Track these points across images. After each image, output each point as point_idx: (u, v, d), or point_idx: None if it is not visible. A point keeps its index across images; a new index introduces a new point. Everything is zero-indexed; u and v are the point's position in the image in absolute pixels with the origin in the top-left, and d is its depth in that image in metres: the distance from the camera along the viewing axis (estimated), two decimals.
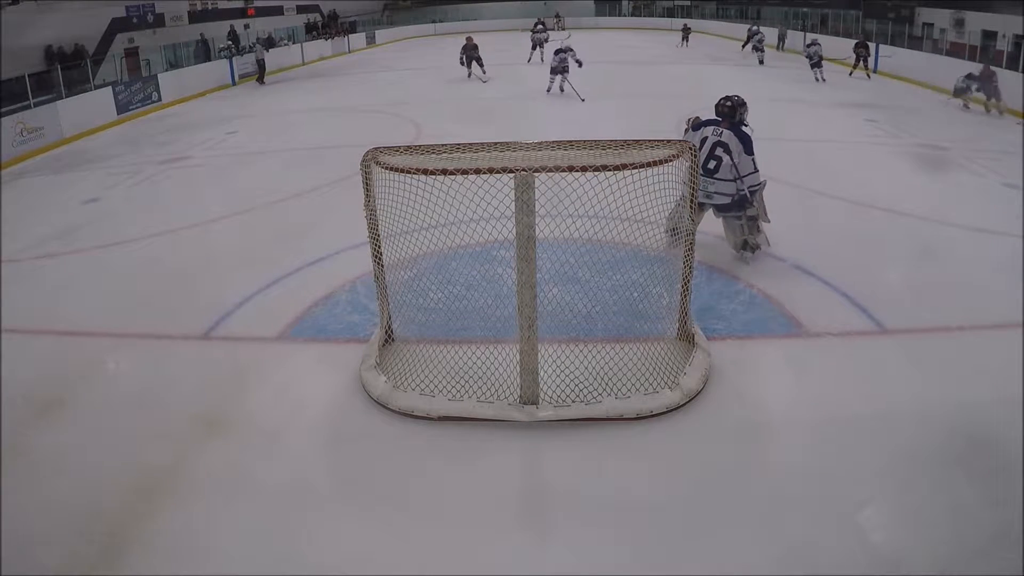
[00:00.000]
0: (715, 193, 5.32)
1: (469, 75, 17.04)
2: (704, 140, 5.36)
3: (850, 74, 16.55)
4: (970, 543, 2.93)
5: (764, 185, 5.39)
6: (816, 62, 15.91)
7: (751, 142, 5.31)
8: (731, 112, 5.41)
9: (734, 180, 5.27)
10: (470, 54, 17.07)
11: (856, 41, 17.23)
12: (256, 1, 26.63)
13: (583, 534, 3.06)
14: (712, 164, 5.29)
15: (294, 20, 27.48)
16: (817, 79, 15.84)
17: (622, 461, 3.49)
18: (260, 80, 18.90)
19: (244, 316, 5.00)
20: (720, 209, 5.46)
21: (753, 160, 5.28)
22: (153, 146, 11.38)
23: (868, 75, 16.53)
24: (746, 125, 5.50)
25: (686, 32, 26.03)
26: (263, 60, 18.97)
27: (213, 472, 3.53)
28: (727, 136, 5.30)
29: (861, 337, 4.56)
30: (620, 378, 3.85)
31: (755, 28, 20.68)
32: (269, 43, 21.48)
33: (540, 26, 22.02)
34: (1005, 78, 12.27)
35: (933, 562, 2.84)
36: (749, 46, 19.99)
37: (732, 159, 5.25)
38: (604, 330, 4.40)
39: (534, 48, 20.57)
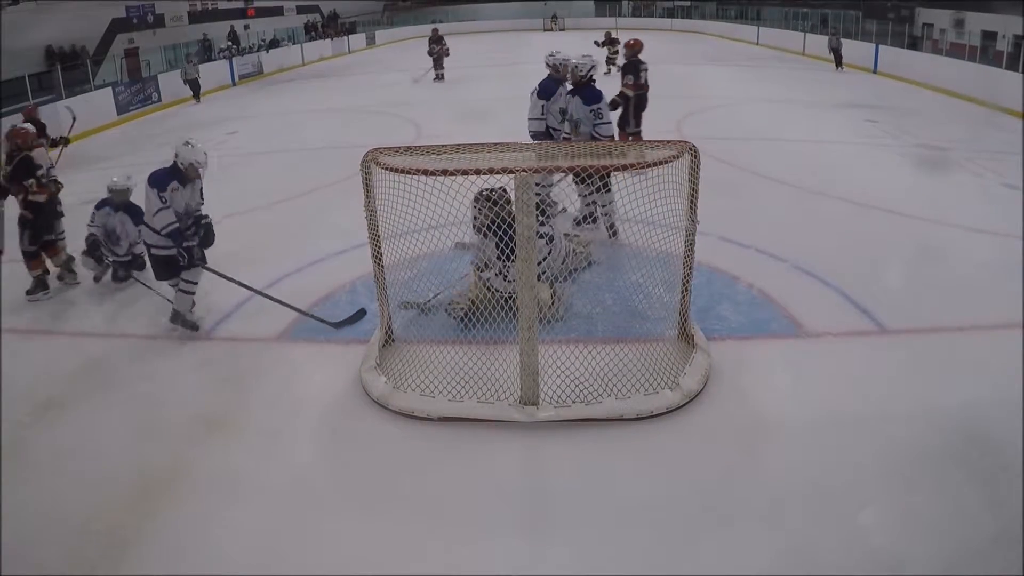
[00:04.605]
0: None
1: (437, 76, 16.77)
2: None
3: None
4: (970, 543, 2.93)
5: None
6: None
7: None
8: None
9: None
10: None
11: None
12: (256, 1, 26.67)
13: (583, 534, 3.06)
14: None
15: (294, 20, 27.51)
16: None
17: (622, 461, 3.49)
18: (196, 98, 16.18)
19: (244, 316, 5.00)
20: None
21: None
22: (153, 146, 11.37)
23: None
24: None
25: (610, 40, 16.51)
26: (196, 79, 16.20)
27: (213, 472, 3.53)
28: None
29: (861, 337, 4.56)
30: (620, 378, 3.84)
31: None
32: (201, 58, 18.29)
33: (435, 45, 17.05)
34: (1005, 78, 12.27)
35: (933, 562, 2.84)
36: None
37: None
38: (604, 330, 4.40)
39: (437, 66, 16.94)
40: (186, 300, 4.84)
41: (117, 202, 5.53)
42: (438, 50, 17.00)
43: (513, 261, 4.23)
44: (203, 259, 4.85)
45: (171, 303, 4.91)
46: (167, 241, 4.66)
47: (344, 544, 3.03)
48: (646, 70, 8.07)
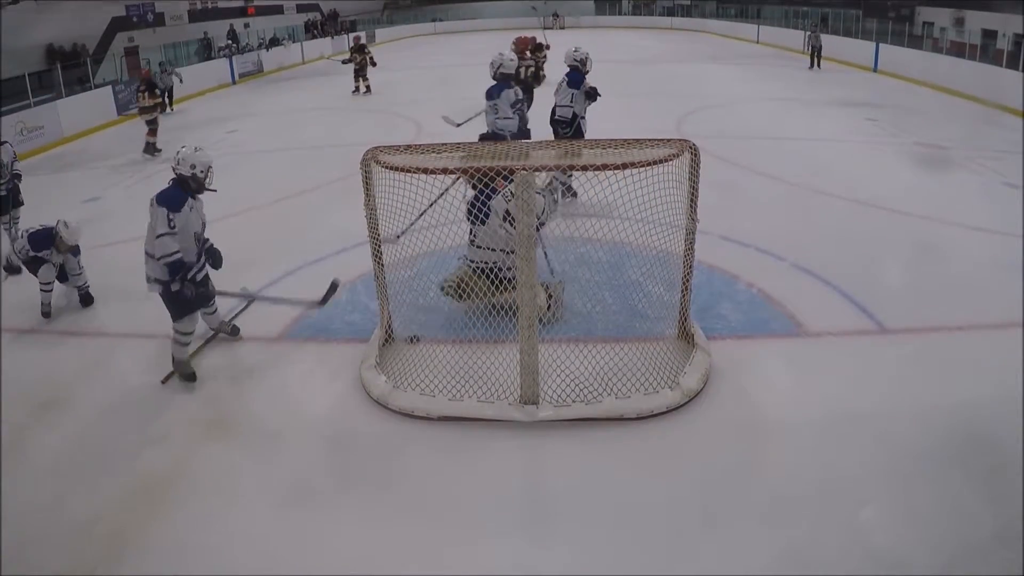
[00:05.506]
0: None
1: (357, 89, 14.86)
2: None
3: None
4: (970, 542, 2.93)
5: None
6: None
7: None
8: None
9: None
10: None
11: None
12: (256, 0, 26.64)
13: (583, 534, 3.06)
14: None
15: (294, 19, 27.47)
16: None
17: (622, 460, 3.49)
18: (168, 107, 14.32)
19: (244, 316, 4.99)
20: None
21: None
22: None
23: None
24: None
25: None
26: (171, 88, 14.48)
27: (213, 472, 3.53)
28: None
29: (861, 337, 4.56)
30: (620, 378, 3.84)
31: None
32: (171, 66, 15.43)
33: (356, 55, 15.09)
34: (1005, 76, 12.26)
35: (933, 562, 2.84)
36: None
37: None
38: (604, 329, 4.40)
39: (359, 78, 15.09)
40: (180, 350, 4.28)
41: (62, 251, 5.15)
42: (360, 60, 14.95)
43: (478, 224, 4.30)
44: (207, 297, 4.35)
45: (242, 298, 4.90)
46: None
47: (344, 544, 3.03)
48: (527, 67, 8.26)
